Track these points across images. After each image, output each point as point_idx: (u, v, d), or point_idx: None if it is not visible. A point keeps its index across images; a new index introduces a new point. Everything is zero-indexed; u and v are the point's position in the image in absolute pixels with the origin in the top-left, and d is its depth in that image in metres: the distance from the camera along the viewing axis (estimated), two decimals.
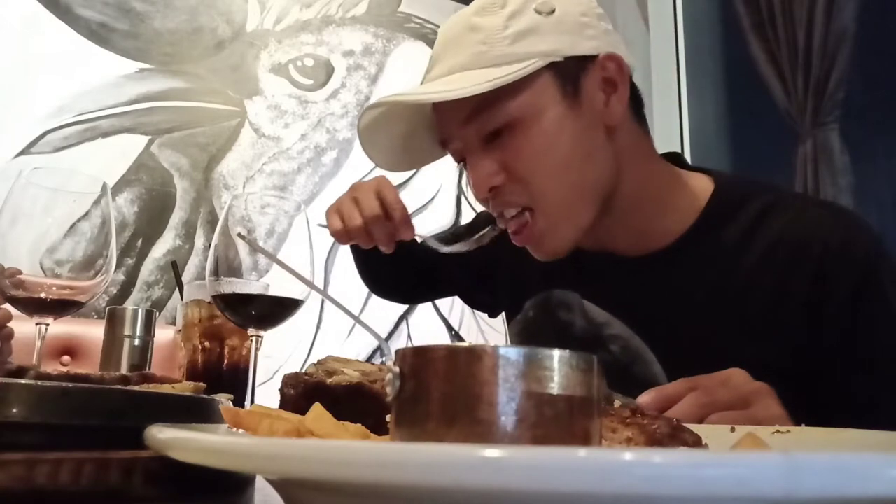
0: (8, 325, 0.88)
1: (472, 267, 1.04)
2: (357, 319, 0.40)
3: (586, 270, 0.86)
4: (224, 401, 0.51)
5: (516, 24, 0.73)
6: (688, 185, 0.83)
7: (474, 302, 1.18)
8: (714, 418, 0.57)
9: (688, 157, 2.41)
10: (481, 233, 0.85)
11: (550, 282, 0.91)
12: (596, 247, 0.85)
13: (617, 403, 0.41)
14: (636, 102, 0.81)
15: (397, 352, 0.31)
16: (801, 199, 0.82)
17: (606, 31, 0.78)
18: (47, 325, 0.78)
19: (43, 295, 0.76)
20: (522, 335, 0.97)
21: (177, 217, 2.08)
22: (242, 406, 0.74)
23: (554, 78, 0.74)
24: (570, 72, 0.75)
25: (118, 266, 1.96)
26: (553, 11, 0.74)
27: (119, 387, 0.50)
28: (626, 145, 0.79)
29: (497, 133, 0.75)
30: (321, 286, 2.14)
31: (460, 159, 0.82)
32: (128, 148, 2.05)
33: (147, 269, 2.01)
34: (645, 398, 0.57)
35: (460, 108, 0.75)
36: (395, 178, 2.59)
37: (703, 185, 0.83)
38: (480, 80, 0.71)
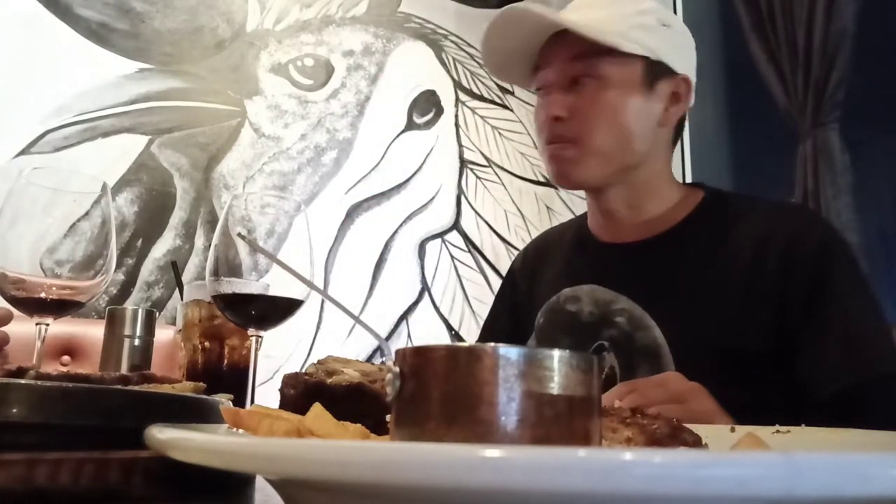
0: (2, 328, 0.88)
1: (504, 327, 1.18)
2: (357, 319, 0.40)
3: (599, 260, 1.05)
4: (224, 401, 0.50)
5: (641, 18, 0.96)
6: (684, 189, 1.04)
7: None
8: (653, 411, 0.62)
9: (688, 157, 2.41)
10: None
11: (571, 279, 1.06)
12: (608, 239, 1.05)
13: (617, 404, 0.41)
14: (681, 122, 1.04)
15: (397, 352, 0.31)
16: (769, 204, 1.00)
17: (692, 59, 1.02)
18: (47, 325, 0.78)
19: (43, 295, 0.76)
20: (539, 341, 1.08)
21: (177, 217, 2.08)
22: (242, 406, 0.74)
23: (643, 68, 0.96)
24: (654, 71, 0.97)
25: (118, 266, 1.96)
26: (669, 27, 0.99)
27: (119, 387, 0.50)
28: (659, 143, 1.01)
29: (582, 80, 0.95)
30: (321, 286, 2.14)
31: (540, 86, 1.01)
32: (128, 148, 2.05)
33: (147, 269, 2.01)
34: None
35: (571, 48, 0.95)
36: (396, 177, 2.58)
37: (695, 192, 1.03)
38: (601, 35, 0.93)
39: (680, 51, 1.00)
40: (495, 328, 1.19)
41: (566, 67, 0.96)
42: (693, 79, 1.01)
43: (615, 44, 0.93)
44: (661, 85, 0.98)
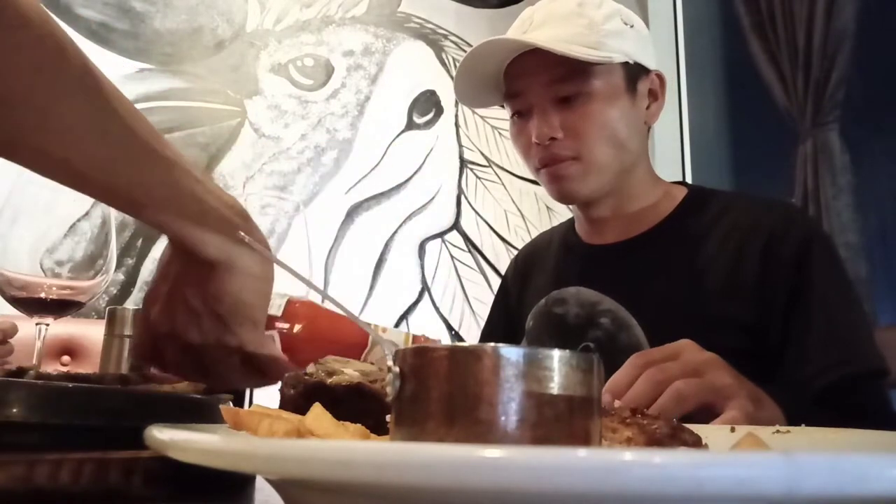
0: (10, 340, 0.88)
1: (500, 333, 1.19)
2: (357, 319, 0.40)
3: (584, 261, 1.06)
4: (224, 401, 0.50)
5: (610, 24, 0.94)
6: (666, 186, 1.05)
7: None
8: (674, 387, 0.63)
9: (688, 157, 2.41)
10: None
11: (559, 282, 1.06)
12: (593, 240, 1.06)
13: (617, 404, 0.41)
14: None
15: (397, 352, 0.31)
16: (752, 200, 0.99)
17: (654, 54, 1.01)
18: (47, 325, 0.78)
19: (43, 295, 0.76)
20: (528, 344, 1.08)
21: None
22: (242, 406, 0.74)
23: (623, 73, 0.96)
24: (634, 73, 0.97)
25: (118, 266, 1.96)
26: (633, 26, 0.97)
27: (119, 387, 0.50)
28: (643, 143, 1.02)
29: (568, 99, 0.93)
30: (321, 286, 2.13)
31: (518, 111, 0.99)
32: None
33: (147, 269, 2.01)
34: (605, 398, 0.62)
35: (552, 69, 0.93)
36: (396, 177, 2.58)
37: (678, 189, 1.04)
38: (585, 53, 0.90)
39: (647, 48, 0.99)
40: (492, 335, 1.20)
41: (550, 89, 0.94)
42: (663, 73, 1.02)
43: (600, 59, 0.91)
44: (640, 85, 0.98)
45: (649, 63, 0.99)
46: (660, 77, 1.01)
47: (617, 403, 0.61)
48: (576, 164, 0.95)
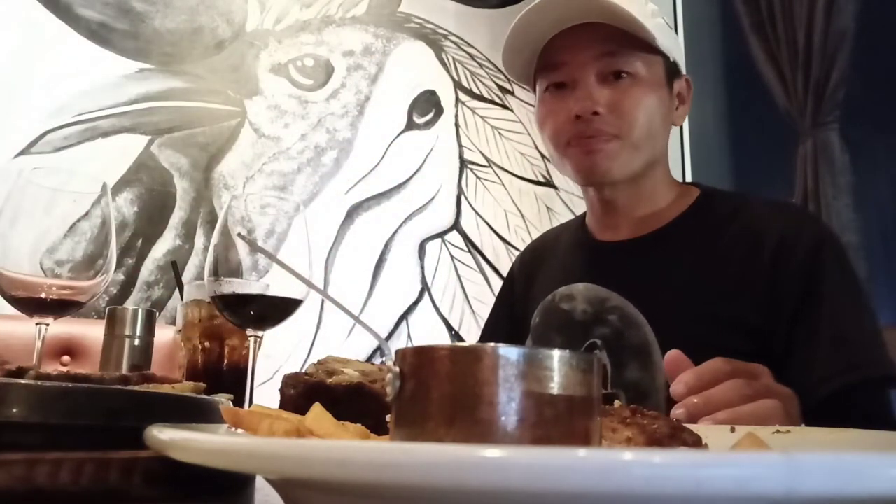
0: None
1: (504, 329, 1.19)
2: (357, 319, 0.40)
3: (594, 258, 1.06)
4: (224, 401, 0.51)
5: (656, 18, 0.97)
6: (680, 188, 1.05)
7: None
8: (775, 403, 0.64)
9: (688, 157, 2.41)
10: None
11: (567, 278, 1.06)
12: (604, 237, 1.06)
13: (617, 404, 0.41)
14: None
15: (397, 352, 0.31)
16: (764, 202, 0.99)
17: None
18: (47, 325, 0.78)
19: (43, 295, 0.76)
20: (534, 340, 1.08)
21: (177, 217, 2.08)
22: (242, 406, 0.74)
23: (664, 67, 0.99)
24: (672, 71, 1.00)
25: (118, 266, 1.96)
26: (672, 28, 1.01)
27: (119, 387, 0.50)
28: (666, 143, 1.04)
29: (617, 76, 0.95)
30: (321, 286, 2.14)
31: (559, 83, 0.98)
32: (128, 148, 2.05)
33: (147, 269, 2.01)
34: (679, 388, 0.63)
35: (603, 43, 0.95)
36: (396, 177, 2.58)
37: (691, 190, 1.05)
38: (648, 32, 0.92)
39: (681, 52, 1.02)
40: (494, 331, 1.19)
41: (599, 63, 0.95)
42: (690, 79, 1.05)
43: (654, 39, 0.93)
44: (674, 85, 1.01)
45: (683, 67, 1.02)
46: (689, 82, 1.03)
47: (694, 400, 0.63)
48: (614, 142, 0.94)
